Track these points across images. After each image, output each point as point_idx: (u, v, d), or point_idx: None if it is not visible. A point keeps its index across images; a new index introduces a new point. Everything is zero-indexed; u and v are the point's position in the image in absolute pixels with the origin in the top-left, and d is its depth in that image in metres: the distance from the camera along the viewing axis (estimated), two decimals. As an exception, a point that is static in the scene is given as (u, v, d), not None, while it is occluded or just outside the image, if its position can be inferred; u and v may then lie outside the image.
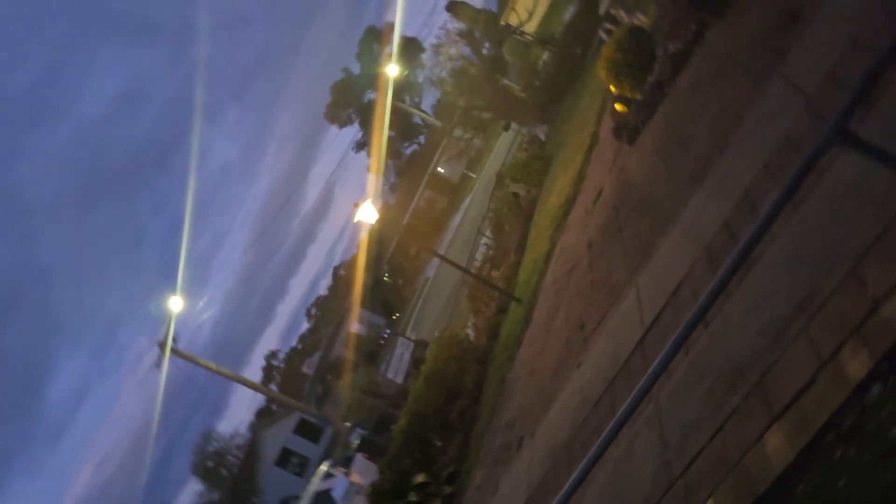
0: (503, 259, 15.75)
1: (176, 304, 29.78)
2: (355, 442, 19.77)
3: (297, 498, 32.79)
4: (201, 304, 34.02)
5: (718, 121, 7.21)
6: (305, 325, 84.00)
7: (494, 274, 14.50)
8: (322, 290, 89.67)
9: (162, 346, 30.32)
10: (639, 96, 10.18)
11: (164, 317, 32.01)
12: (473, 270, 16.35)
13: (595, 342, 7.84)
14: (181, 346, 32.53)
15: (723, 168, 6.62)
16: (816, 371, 3.91)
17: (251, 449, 46.76)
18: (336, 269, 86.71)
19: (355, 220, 12.22)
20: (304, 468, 41.53)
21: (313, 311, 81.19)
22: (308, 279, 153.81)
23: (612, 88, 10.94)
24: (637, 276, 7.47)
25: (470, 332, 14.67)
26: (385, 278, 55.21)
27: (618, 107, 10.73)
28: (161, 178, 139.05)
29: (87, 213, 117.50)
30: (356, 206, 12.33)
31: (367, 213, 12.28)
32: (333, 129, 76.26)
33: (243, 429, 74.13)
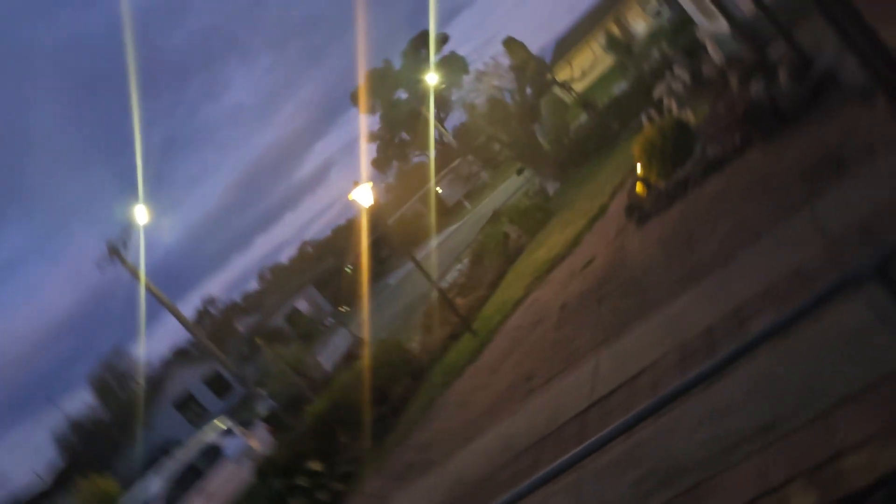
0: (472, 291, 15.63)
1: (141, 214, 29.10)
2: (262, 410, 19.36)
3: (180, 443, 32.04)
4: (165, 223, 33.26)
5: (732, 234, 7.20)
6: (254, 286, 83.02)
7: (459, 301, 14.35)
8: (283, 258, 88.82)
9: (111, 247, 29.54)
10: (662, 185, 10.20)
11: (123, 221, 31.26)
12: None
13: (538, 397, 7.72)
14: (128, 257, 31.70)
15: (722, 278, 6.59)
16: (757, 496, 3.84)
17: (156, 382, 45.77)
18: (304, 244, 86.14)
19: (350, 197, 12.03)
20: (200, 419, 40.65)
21: (267, 274, 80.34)
22: (273, 242, 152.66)
23: (639, 169, 10.96)
24: (601, 349, 7.39)
25: (415, 346, 14.48)
26: (348, 270, 54.75)
27: (638, 187, 10.74)
28: (172, 95, 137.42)
29: (90, 97, 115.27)
30: (356, 183, 12.16)
31: (363, 195, 12.11)
32: (354, 112, 76.08)
33: (155, 361, 72.67)
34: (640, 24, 56.98)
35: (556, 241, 14.08)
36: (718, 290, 6.45)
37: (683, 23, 24.57)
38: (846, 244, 5.35)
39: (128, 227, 30.60)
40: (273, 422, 17.46)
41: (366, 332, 24.22)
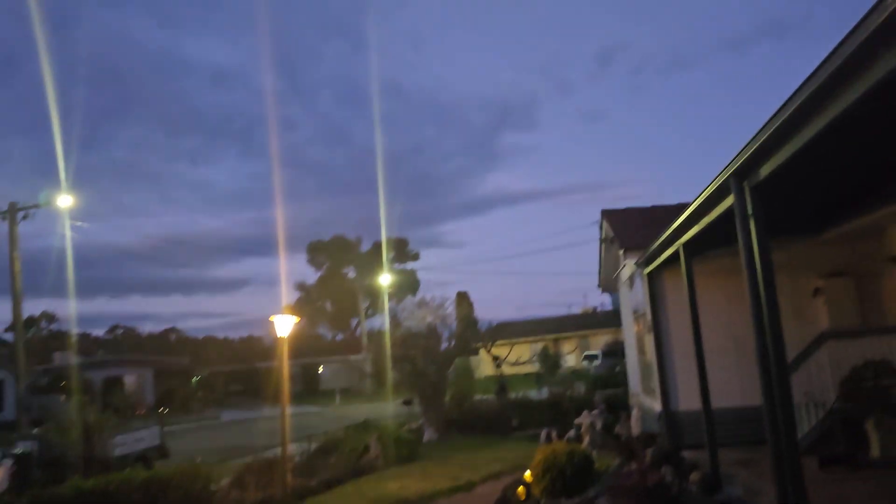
0: (304, 476, 14.60)
1: (65, 200, 27.83)
2: (19, 450, 16.93)
3: None
4: (71, 227, 31.43)
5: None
6: (98, 333, 77.11)
7: (288, 478, 13.33)
8: (143, 329, 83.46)
9: (12, 207, 27.78)
10: (542, 502, 10.01)
11: (39, 197, 29.70)
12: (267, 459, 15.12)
13: None
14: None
15: None
16: None
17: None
18: (169, 331, 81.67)
19: (272, 318, 11.59)
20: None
21: (119, 331, 75.02)
22: (145, 310, 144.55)
23: (528, 474, 10.81)
24: None
25: (218, 488, 13.17)
26: (194, 379, 51.49)
27: (520, 489, 10.52)
28: (170, 135, 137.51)
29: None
30: (284, 308, 11.75)
31: (285, 325, 11.68)
32: (303, 256, 76.46)
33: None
34: (570, 358, 60.07)
35: (409, 484, 13.45)
36: None
37: (612, 378, 25.92)
38: None
39: (40, 204, 29.03)
40: (23, 467, 15.20)
41: (177, 447, 22.12)
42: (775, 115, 5.68)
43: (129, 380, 41.82)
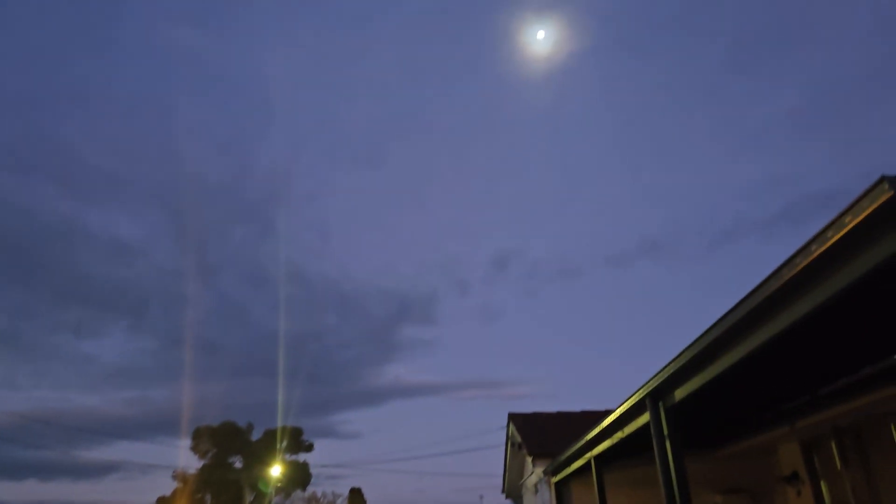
0: None
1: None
2: None
3: None
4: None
5: None
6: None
7: None
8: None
9: None
10: None
11: None
12: None
13: None
14: None
15: None
16: None
17: None
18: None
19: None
20: None
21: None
22: (17, 494, 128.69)
23: None
24: None
25: None
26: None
27: None
28: (46, 315, 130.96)
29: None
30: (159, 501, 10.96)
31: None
32: (185, 441, 71.68)
33: None
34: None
35: None
36: None
37: None
38: None
39: None
40: None
41: None
42: (691, 346, 6.30)
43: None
